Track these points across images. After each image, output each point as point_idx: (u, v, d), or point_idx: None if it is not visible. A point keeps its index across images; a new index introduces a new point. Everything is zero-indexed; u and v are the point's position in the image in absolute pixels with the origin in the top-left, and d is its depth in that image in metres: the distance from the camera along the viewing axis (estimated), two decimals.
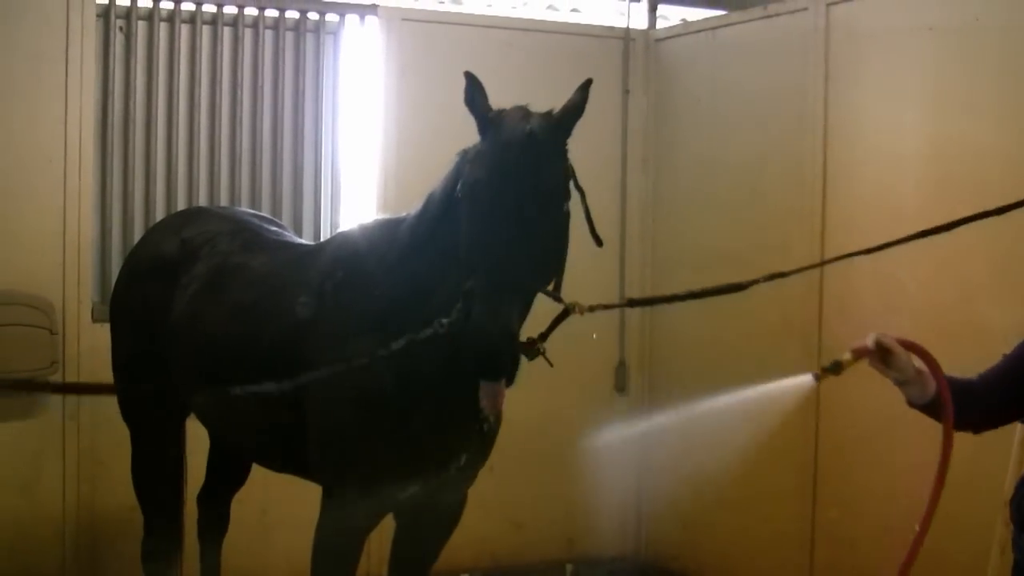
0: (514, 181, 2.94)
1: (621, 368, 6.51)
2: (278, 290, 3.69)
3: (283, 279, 3.72)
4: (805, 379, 2.91)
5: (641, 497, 6.58)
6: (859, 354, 2.93)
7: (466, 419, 3.40)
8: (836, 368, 2.88)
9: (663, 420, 3.22)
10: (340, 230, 4.19)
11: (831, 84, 5.33)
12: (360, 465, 3.47)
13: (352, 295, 3.49)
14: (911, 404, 3.00)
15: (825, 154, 5.35)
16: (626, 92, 6.49)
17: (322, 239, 5.61)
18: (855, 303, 5.20)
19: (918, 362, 2.98)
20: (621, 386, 6.49)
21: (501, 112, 3.11)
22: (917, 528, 2.90)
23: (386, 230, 3.58)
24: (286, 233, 4.39)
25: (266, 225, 4.36)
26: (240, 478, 4.77)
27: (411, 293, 3.35)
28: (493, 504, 6.07)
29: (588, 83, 3.12)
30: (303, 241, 4.36)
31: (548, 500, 6.37)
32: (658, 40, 6.53)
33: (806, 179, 5.42)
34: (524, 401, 5.66)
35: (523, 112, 3.11)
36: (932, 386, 2.95)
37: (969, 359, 4.01)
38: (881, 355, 2.93)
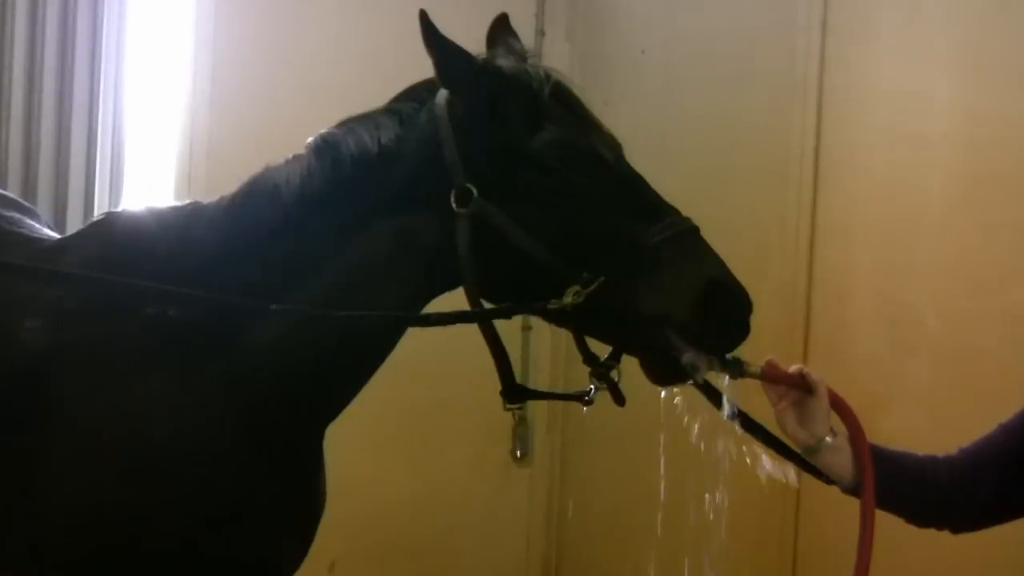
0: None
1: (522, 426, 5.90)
2: None
3: (4, 293, 2.83)
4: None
5: None
6: (772, 374, 2.49)
7: (273, 500, 2.72)
8: (737, 368, 2.44)
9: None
10: (94, 219, 3.31)
11: (830, 36, 4.68)
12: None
13: (110, 311, 2.67)
14: (843, 490, 2.56)
15: (819, 130, 4.71)
16: (541, 35, 5.77)
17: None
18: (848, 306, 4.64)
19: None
20: (522, 451, 5.65)
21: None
22: None
23: (166, 222, 2.82)
24: (28, 221, 3.41)
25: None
26: None
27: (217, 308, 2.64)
28: None
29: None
30: (49, 235, 3.43)
31: None
32: None
33: (792, 159, 4.77)
34: (390, 477, 5.07)
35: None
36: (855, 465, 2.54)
37: (982, 346, 3.96)
38: (800, 391, 2.52)
